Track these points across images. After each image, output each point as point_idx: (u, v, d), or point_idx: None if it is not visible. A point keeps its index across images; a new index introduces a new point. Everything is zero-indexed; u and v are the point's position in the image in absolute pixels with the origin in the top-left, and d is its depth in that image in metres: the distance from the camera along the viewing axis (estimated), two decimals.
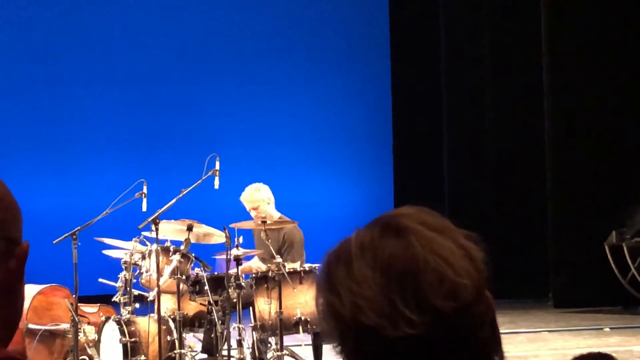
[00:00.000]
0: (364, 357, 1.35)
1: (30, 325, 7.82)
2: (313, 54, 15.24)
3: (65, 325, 7.77)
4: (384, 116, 15.61)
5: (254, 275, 7.70)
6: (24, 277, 1.44)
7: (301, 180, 14.73)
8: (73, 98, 14.36)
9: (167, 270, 7.56)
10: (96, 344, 7.56)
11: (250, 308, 7.67)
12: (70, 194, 14.03)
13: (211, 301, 7.50)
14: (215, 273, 7.79)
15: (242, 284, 7.45)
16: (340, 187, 15.18)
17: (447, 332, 1.33)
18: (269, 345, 7.72)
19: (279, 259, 7.56)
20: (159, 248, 7.48)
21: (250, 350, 7.63)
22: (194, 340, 8.03)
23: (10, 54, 14.19)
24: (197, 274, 7.61)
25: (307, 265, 7.77)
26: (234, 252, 7.54)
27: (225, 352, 7.41)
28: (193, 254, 7.66)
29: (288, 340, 7.60)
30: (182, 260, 7.57)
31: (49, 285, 8.15)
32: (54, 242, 7.61)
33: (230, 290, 7.38)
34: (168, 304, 7.80)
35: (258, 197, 8.25)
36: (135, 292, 7.74)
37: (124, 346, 7.41)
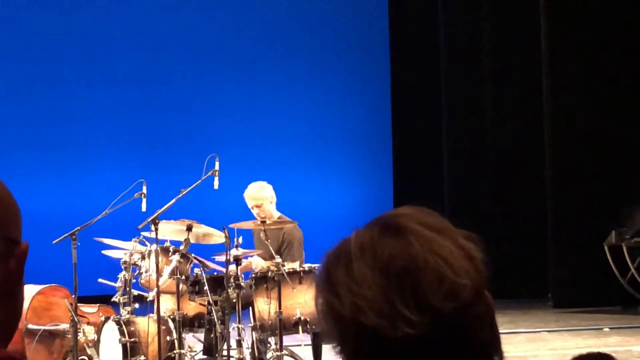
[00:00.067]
0: (363, 357, 1.35)
1: (30, 326, 7.81)
2: (313, 54, 15.24)
3: (64, 326, 7.77)
4: (383, 116, 15.61)
5: (253, 275, 7.70)
6: (24, 277, 1.44)
7: (301, 180, 14.73)
8: (73, 98, 14.36)
9: (167, 270, 7.56)
10: (96, 344, 7.55)
11: (250, 308, 7.68)
12: (69, 194, 14.02)
13: (211, 301, 7.49)
14: (215, 273, 7.78)
15: (242, 284, 7.45)
16: (339, 187, 15.18)
17: (447, 332, 1.33)
18: (269, 345, 7.72)
19: (278, 259, 7.56)
20: (158, 248, 7.48)
21: (250, 350, 7.64)
22: (193, 340, 8.02)
23: (10, 54, 14.18)
24: (196, 274, 7.61)
25: (306, 266, 7.78)
26: (234, 252, 7.54)
27: (224, 352, 7.41)
28: (192, 254, 7.66)
29: (287, 340, 7.60)
30: (181, 260, 7.57)
31: (48, 285, 8.15)
32: (53, 242, 7.61)
33: (229, 290, 7.39)
34: (167, 304, 7.80)
35: (263, 195, 8.27)
36: (135, 292, 7.74)
37: (124, 346, 7.41)
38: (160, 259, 7.48)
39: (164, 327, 7.44)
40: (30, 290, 7.86)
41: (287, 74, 15.10)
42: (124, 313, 7.59)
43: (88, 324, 7.70)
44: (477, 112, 15.25)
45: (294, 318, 7.47)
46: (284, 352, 7.44)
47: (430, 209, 1.42)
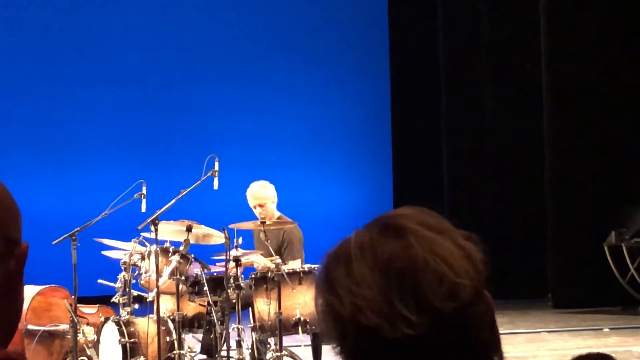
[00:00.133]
0: (363, 358, 1.35)
1: (30, 326, 7.81)
2: (313, 54, 15.25)
3: (64, 326, 7.77)
4: (383, 116, 15.61)
5: (253, 276, 7.70)
6: (23, 277, 1.44)
7: (301, 181, 14.73)
8: (73, 98, 14.36)
9: (167, 271, 7.56)
10: (95, 344, 7.55)
11: (250, 309, 7.68)
12: (69, 194, 14.02)
13: (210, 302, 7.49)
14: (215, 274, 7.78)
15: (242, 284, 7.45)
16: (339, 187, 15.18)
17: (446, 332, 1.33)
18: (268, 345, 7.72)
19: (278, 260, 7.56)
20: (158, 249, 7.48)
21: (250, 350, 7.64)
22: (193, 341, 8.02)
23: (10, 54, 14.18)
24: (196, 274, 7.61)
25: (306, 266, 7.78)
26: (233, 252, 7.54)
27: (224, 353, 7.41)
28: (192, 255, 7.66)
29: (287, 340, 7.60)
30: (181, 261, 7.57)
31: (48, 286, 8.14)
32: (53, 242, 7.61)
33: (229, 290, 7.38)
34: (167, 304, 7.80)
35: (266, 195, 8.28)
36: (135, 292, 7.74)
37: (123, 347, 7.41)
38: (160, 259, 7.48)
39: (163, 328, 7.44)
40: (30, 291, 7.86)
41: (287, 74, 15.10)
42: (124, 314, 7.59)
43: (88, 324, 7.69)
44: (477, 112, 15.25)
45: (294, 318, 7.47)
46: (284, 352, 7.44)
47: (430, 209, 1.42)
